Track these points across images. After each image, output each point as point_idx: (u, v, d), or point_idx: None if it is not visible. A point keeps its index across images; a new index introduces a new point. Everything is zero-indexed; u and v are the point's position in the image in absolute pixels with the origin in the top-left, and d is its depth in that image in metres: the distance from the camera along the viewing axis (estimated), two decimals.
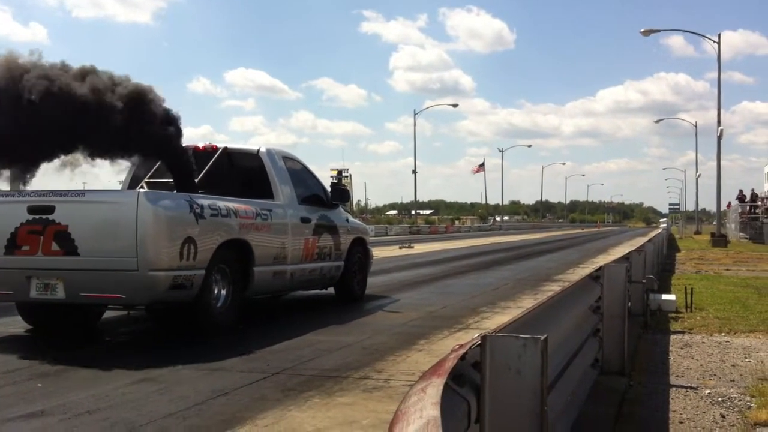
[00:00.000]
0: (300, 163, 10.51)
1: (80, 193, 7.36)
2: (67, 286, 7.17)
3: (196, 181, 8.98)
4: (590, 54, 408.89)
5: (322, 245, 10.12)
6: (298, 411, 4.89)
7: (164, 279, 7.09)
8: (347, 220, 11.27)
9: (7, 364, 6.56)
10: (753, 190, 49.14)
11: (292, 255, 9.31)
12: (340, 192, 11.07)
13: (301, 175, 10.34)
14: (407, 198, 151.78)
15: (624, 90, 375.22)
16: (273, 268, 8.92)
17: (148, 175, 9.43)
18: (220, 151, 9.56)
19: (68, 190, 7.43)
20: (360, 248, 11.41)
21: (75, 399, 5.16)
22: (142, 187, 9.05)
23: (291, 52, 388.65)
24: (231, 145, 9.81)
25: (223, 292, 8.05)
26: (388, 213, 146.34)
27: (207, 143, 9.71)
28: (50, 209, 7.17)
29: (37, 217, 7.19)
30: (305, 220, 9.77)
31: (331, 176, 51.38)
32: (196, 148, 9.42)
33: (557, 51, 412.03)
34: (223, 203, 8.06)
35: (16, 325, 8.59)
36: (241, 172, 9.77)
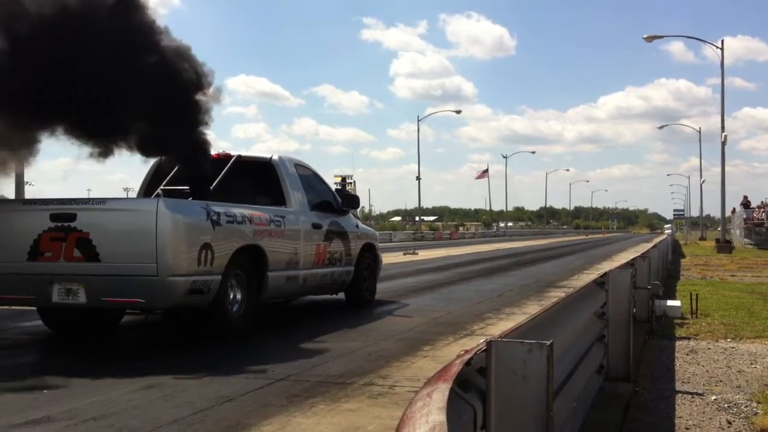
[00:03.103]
0: (310, 170, 10.66)
1: (101, 201, 7.54)
2: (89, 291, 7.29)
3: (210, 188, 9.10)
4: (591, 60, 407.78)
5: (333, 251, 10.23)
6: (302, 417, 4.89)
7: (183, 284, 7.21)
8: (357, 225, 11.39)
9: (13, 370, 6.59)
10: (747, 197, 49.56)
11: (304, 260, 9.43)
12: (351, 198, 11.35)
13: (311, 181, 10.48)
14: (411, 204, 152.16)
15: (625, 96, 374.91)
16: (286, 273, 9.03)
17: (164, 183, 9.55)
18: (233, 159, 9.71)
19: (89, 198, 7.71)
20: (369, 254, 11.51)
21: (80, 405, 5.17)
22: (158, 194, 9.17)
23: (292, 59, 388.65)
24: (244, 153, 9.97)
25: (239, 296, 8.16)
26: (392, 219, 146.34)
27: (221, 151, 9.88)
28: (72, 217, 7.32)
29: (59, 224, 7.34)
30: (317, 226, 9.87)
31: (336, 183, 51.41)
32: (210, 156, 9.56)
33: (558, 57, 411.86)
34: (238, 210, 8.19)
35: (23, 331, 8.62)
36: (254, 179, 9.90)
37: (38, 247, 7.38)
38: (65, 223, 7.31)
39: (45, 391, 5.68)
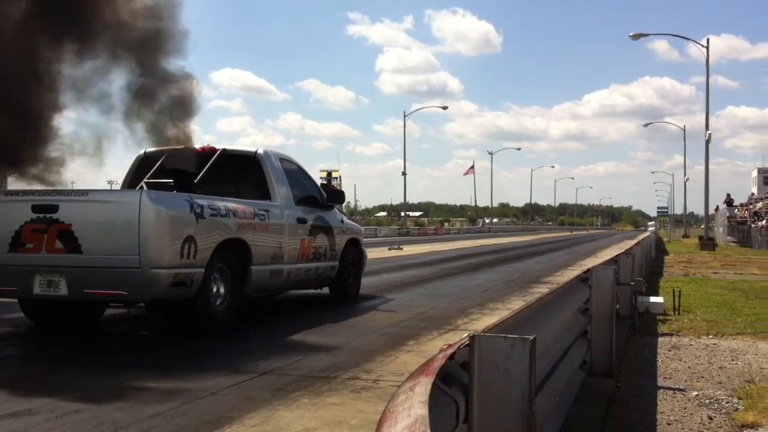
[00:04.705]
0: (296, 164, 10.64)
1: (84, 192, 7.49)
2: (70, 282, 7.24)
3: (195, 181, 9.07)
4: (576, 58, 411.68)
5: (317, 245, 10.21)
6: (286, 411, 4.88)
7: (165, 276, 7.18)
8: (342, 221, 11.38)
9: None
10: (730, 195, 50.32)
11: (288, 255, 9.41)
12: (336, 193, 11.27)
13: (297, 176, 10.45)
14: (396, 200, 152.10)
15: (610, 94, 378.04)
16: (270, 267, 9.00)
17: (147, 176, 9.50)
18: (218, 152, 9.67)
19: (72, 190, 7.63)
20: (354, 249, 11.50)
21: (61, 398, 5.13)
22: (141, 187, 9.14)
23: (277, 53, 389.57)
24: (229, 147, 9.92)
25: (222, 290, 8.14)
26: (377, 215, 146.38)
27: (205, 144, 9.83)
28: (54, 208, 7.26)
29: (41, 215, 7.28)
30: (301, 221, 9.86)
31: (321, 177, 51.28)
32: (194, 150, 9.53)
33: (543, 54, 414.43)
34: (222, 203, 8.16)
35: (4, 323, 8.55)
36: (239, 173, 9.90)
37: (20, 238, 7.32)
38: (47, 215, 7.25)
39: (26, 383, 5.64)
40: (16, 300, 8.29)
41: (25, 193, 7.70)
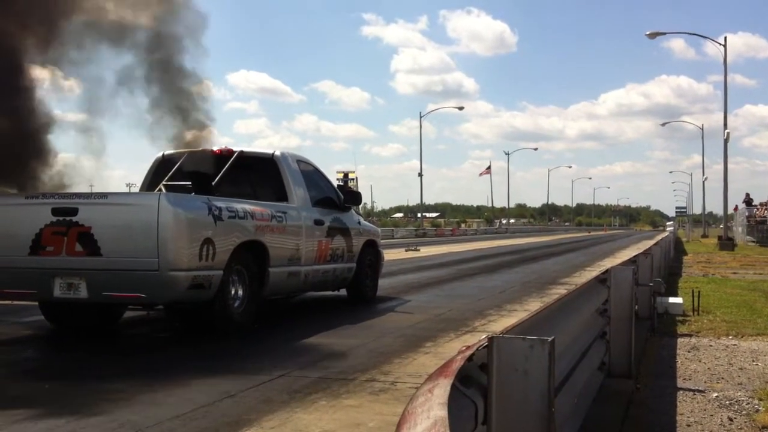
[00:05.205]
0: (312, 165, 10.67)
1: (103, 195, 7.53)
2: (90, 285, 7.28)
3: (213, 183, 9.13)
4: (592, 57, 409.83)
5: (334, 247, 10.23)
6: (304, 413, 4.89)
7: (184, 279, 7.21)
8: (359, 222, 11.39)
9: (14, 365, 6.59)
10: (749, 194, 49.94)
11: (306, 256, 9.43)
12: (353, 195, 11.31)
13: (314, 177, 10.48)
14: (413, 201, 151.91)
15: (626, 93, 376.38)
16: (288, 269, 9.03)
17: (165, 178, 9.56)
18: (236, 154, 9.72)
19: (91, 193, 7.68)
20: (371, 250, 11.50)
21: (82, 400, 5.17)
22: (160, 189, 9.20)
23: (292, 55, 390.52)
24: (246, 149, 9.96)
25: (240, 292, 8.17)
26: (393, 216, 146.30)
27: (223, 147, 9.87)
28: (74, 211, 7.31)
29: (60, 218, 7.33)
30: (319, 223, 9.88)
31: (338, 179, 51.39)
32: (212, 152, 9.56)
33: (558, 53, 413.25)
34: (240, 205, 8.20)
35: (24, 326, 8.62)
36: (256, 175, 9.94)
37: (40, 241, 7.38)
38: (67, 218, 7.30)
39: (46, 386, 5.69)
40: (36, 303, 8.36)
41: (45, 196, 7.75)
